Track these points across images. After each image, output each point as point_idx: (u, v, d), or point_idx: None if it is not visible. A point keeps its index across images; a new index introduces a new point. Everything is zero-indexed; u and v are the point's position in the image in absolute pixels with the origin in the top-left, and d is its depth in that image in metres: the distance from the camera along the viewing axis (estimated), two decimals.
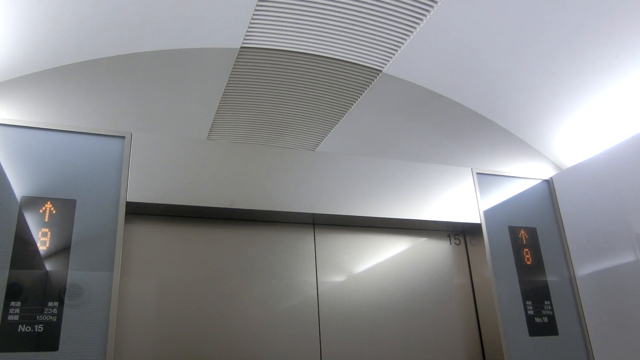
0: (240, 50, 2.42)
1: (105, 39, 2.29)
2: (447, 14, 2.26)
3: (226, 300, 2.32)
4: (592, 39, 2.33)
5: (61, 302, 1.91)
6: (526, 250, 2.82)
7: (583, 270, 2.81)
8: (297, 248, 2.54)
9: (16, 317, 1.84)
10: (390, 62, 2.56)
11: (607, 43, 2.33)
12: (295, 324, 2.40)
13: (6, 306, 1.84)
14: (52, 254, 1.97)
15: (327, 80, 2.61)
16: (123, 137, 2.23)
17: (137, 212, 2.24)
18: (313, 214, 2.47)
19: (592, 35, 2.31)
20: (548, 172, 3.11)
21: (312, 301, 2.47)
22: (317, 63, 2.52)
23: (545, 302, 2.74)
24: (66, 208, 2.04)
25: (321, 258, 2.56)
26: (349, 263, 2.62)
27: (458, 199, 2.77)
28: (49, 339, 1.86)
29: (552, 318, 2.72)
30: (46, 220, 2.00)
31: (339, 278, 2.57)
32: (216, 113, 2.62)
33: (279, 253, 2.49)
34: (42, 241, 1.96)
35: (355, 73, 2.60)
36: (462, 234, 2.91)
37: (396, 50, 2.49)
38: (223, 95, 2.57)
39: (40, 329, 1.86)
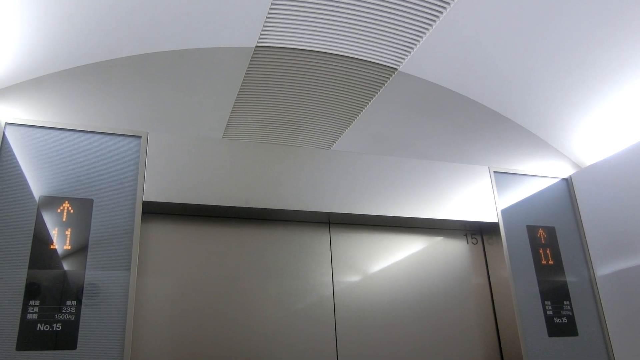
0: (255, 49, 2.41)
1: (121, 40, 2.30)
2: (463, 12, 2.24)
3: (242, 300, 2.31)
4: (610, 35, 2.29)
5: (79, 302, 1.93)
6: (545, 249, 2.78)
7: (603, 270, 2.77)
8: (312, 247, 2.53)
9: (35, 316, 1.86)
10: (406, 60, 2.54)
11: (626, 39, 2.29)
12: (311, 324, 2.39)
13: (25, 305, 1.86)
14: (69, 254, 1.98)
15: (342, 79, 2.59)
16: (139, 137, 2.24)
17: (154, 211, 2.25)
18: (328, 213, 2.46)
19: (610, 31, 2.27)
20: (567, 171, 3.07)
21: (328, 301, 2.46)
22: (332, 61, 2.51)
23: (565, 303, 2.70)
24: (83, 207, 2.06)
25: (337, 257, 2.55)
26: (365, 262, 2.60)
27: (475, 197, 2.74)
28: (68, 338, 1.87)
29: (571, 318, 2.68)
30: (64, 219, 2.01)
31: (354, 277, 2.56)
32: (231, 112, 2.63)
33: (295, 252, 2.48)
34: (60, 241, 1.98)
35: (370, 71, 2.58)
36: (479, 233, 2.88)
37: (412, 49, 2.47)
38: (238, 94, 2.57)
39: (58, 327, 1.87)
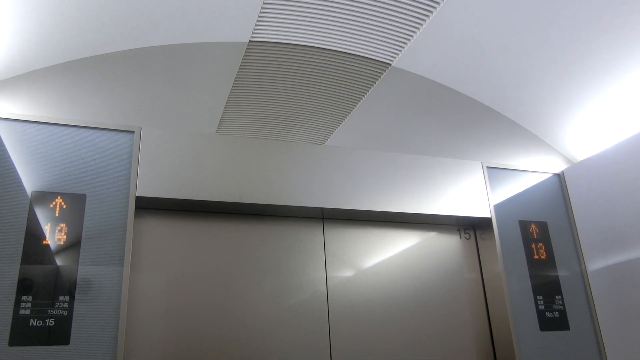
0: (248, 44, 2.41)
1: (114, 34, 2.29)
2: (457, 6, 2.24)
3: (235, 295, 2.32)
4: (603, 31, 2.30)
5: (72, 297, 1.92)
6: (537, 244, 2.80)
7: (594, 264, 2.79)
8: (306, 242, 2.53)
9: (27, 312, 1.85)
10: (400, 55, 2.54)
11: (620, 35, 2.30)
12: (305, 319, 2.40)
13: (18, 301, 1.85)
14: (62, 249, 1.97)
15: (336, 74, 2.59)
16: (132, 132, 2.23)
17: (147, 206, 2.24)
18: (322, 209, 2.47)
19: (604, 28, 2.28)
20: (559, 166, 3.08)
21: (321, 296, 2.47)
22: (326, 57, 2.51)
23: (556, 297, 2.72)
24: (76, 203, 2.05)
25: (330, 253, 2.56)
26: (358, 258, 2.61)
27: (468, 193, 2.75)
28: (60, 333, 1.87)
29: (563, 313, 2.70)
30: (56, 215, 2.00)
31: (348, 273, 2.56)
32: (225, 107, 2.62)
33: (288, 247, 2.49)
34: (53, 236, 1.97)
35: (364, 66, 2.58)
36: (472, 228, 2.90)
37: (405, 44, 2.47)
38: (232, 89, 2.56)
39: (51, 323, 1.87)
